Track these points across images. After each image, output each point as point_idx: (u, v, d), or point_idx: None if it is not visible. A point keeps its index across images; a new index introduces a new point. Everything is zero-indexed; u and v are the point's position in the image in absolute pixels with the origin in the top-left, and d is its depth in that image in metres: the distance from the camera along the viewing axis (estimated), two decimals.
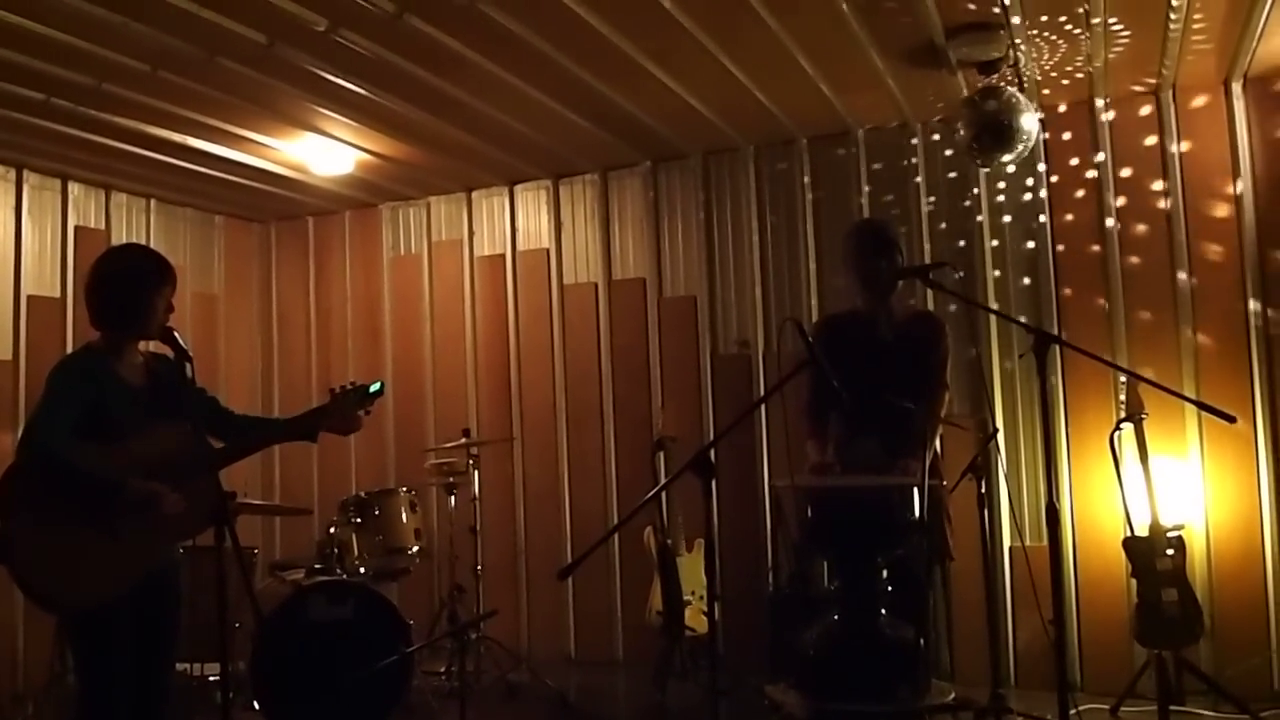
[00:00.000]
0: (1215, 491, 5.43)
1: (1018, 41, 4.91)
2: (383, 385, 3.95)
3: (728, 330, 6.61)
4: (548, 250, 7.14)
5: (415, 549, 5.78)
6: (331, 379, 6.40)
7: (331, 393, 3.88)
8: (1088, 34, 4.87)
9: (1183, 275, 5.56)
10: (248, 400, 7.59)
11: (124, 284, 3.50)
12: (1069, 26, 4.80)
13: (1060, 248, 5.84)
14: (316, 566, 5.46)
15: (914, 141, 6.17)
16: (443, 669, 5.87)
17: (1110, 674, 5.33)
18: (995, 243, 5.98)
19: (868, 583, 3.73)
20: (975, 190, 6.03)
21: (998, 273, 5.96)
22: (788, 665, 3.94)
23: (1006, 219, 5.97)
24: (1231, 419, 3.25)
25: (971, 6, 4.57)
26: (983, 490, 4.38)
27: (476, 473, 6.13)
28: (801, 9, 4.55)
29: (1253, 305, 5.43)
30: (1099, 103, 5.76)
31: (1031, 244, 5.90)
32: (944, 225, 6.10)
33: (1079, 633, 5.60)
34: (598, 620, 6.76)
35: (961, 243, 6.04)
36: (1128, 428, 5.12)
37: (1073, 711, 4.56)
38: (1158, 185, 5.64)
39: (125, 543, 3.34)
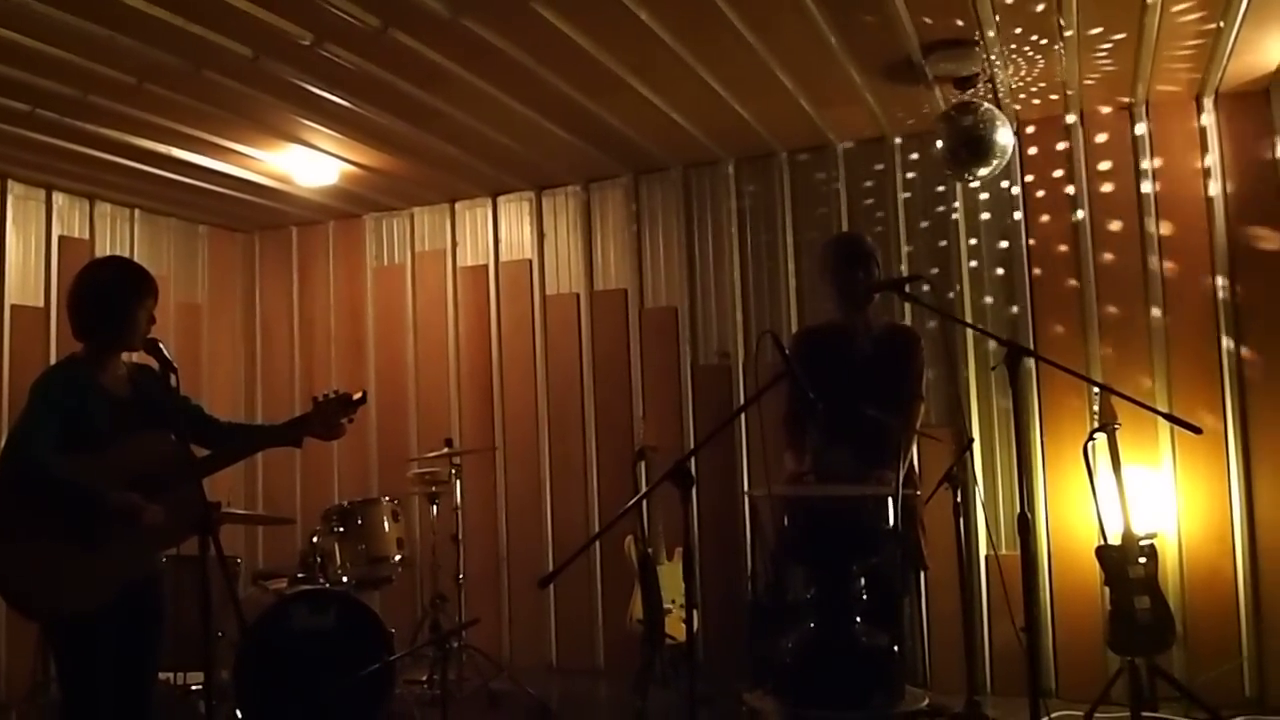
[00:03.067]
0: (1187, 500, 5.51)
1: (993, 57, 4.99)
2: (365, 394, 4.00)
3: (708, 341, 6.67)
4: (530, 261, 7.19)
5: (397, 558, 5.79)
6: (314, 388, 6.43)
7: (315, 401, 3.92)
8: (1062, 50, 4.95)
9: (1155, 287, 5.65)
10: (231, 409, 7.60)
11: (105, 296, 3.54)
12: (1044, 43, 4.88)
13: (1036, 259, 5.92)
14: (299, 575, 5.49)
15: (892, 155, 6.25)
16: (425, 677, 5.88)
17: (1084, 681, 5.39)
18: (972, 255, 6.06)
19: (843, 591, 3.77)
20: (953, 203, 6.10)
21: (973, 284, 6.03)
22: (765, 673, 3.98)
23: (983, 231, 6.05)
24: (1197, 430, 3.32)
25: (946, 23, 4.64)
26: (958, 500, 4.45)
27: (459, 482, 6.16)
28: (780, 25, 4.62)
29: (1223, 317, 5.52)
30: (1074, 116, 5.84)
31: (1007, 255, 5.98)
32: (921, 238, 6.17)
33: (1053, 640, 5.67)
34: (579, 628, 6.80)
35: (938, 255, 6.12)
36: (1101, 438, 5.19)
37: (1046, 718, 4.64)
38: (1131, 198, 5.73)
39: (108, 552, 3.37)
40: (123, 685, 3.45)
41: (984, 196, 6.05)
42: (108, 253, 6.73)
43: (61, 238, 6.64)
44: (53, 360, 5.86)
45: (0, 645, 5.90)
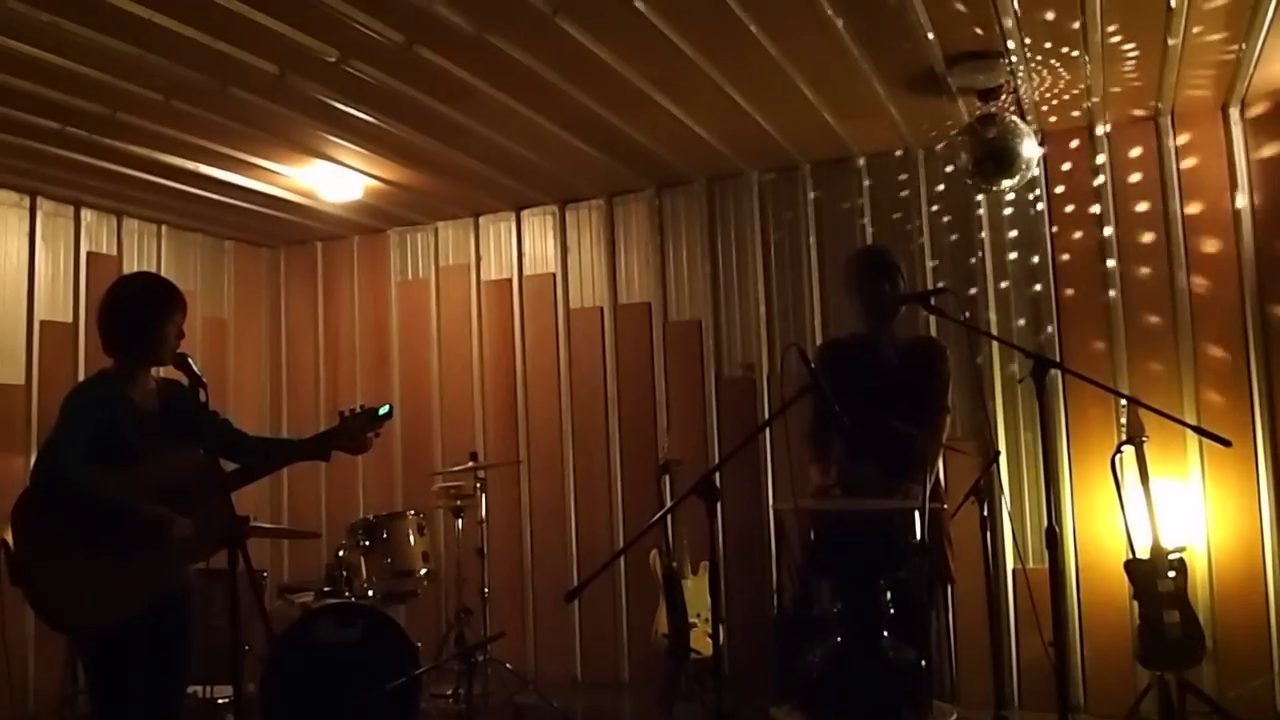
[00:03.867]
0: (1216, 513, 5.46)
1: (1017, 69, 4.97)
2: (391, 408, 4.00)
3: (732, 354, 6.66)
4: (554, 275, 7.21)
5: (423, 571, 5.79)
6: (340, 402, 6.45)
7: (341, 415, 3.94)
8: (1087, 61, 4.93)
9: (1182, 299, 5.61)
10: (257, 423, 7.64)
11: (135, 311, 3.56)
12: (1068, 54, 4.86)
13: (1061, 270, 5.89)
14: (325, 589, 5.50)
15: (916, 167, 6.24)
16: (450, 691, 5.89)
17: (1113, 696, 5.35)
18: (997, 267, 6.03)
19: (870, 605, 3.76)
20: (977, 215, 6.08)
21: (999, 296, 6.00)
22: (792, 687, 3.97)
23: (1008, 243, 6.02)
24: (1227, 443, 3.29)
25: (970, 35, 4.63)
26: (985, 513, 4.42)
27: (483, 496, 6.17)
28: (803, 37, 4.62)
29: (1252, 328, 5.47)
30: (1099, 129, 5.82)
31: (1033, 267, 5.95)
32: (946, 250, 6.15)
33: (1082, 654, 5.62)
34: (604, 642, 6.79)
35: (963, 266, 6.10)
36: (1129, 450, 5.16)
37: None
38: (1157, 208, 5.69)
39: (137, 565, 3.39)
40: (152, 698, 3.46)
41: (1009, 209, 6.02)
42: (136, 268, 6.78)
43: (90, 254, 6.70)
44: (82, 376, 5.97)
45: (29, 657, 5.92)
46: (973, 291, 6.01)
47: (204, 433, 3.51)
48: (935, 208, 6.19)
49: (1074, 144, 5.89)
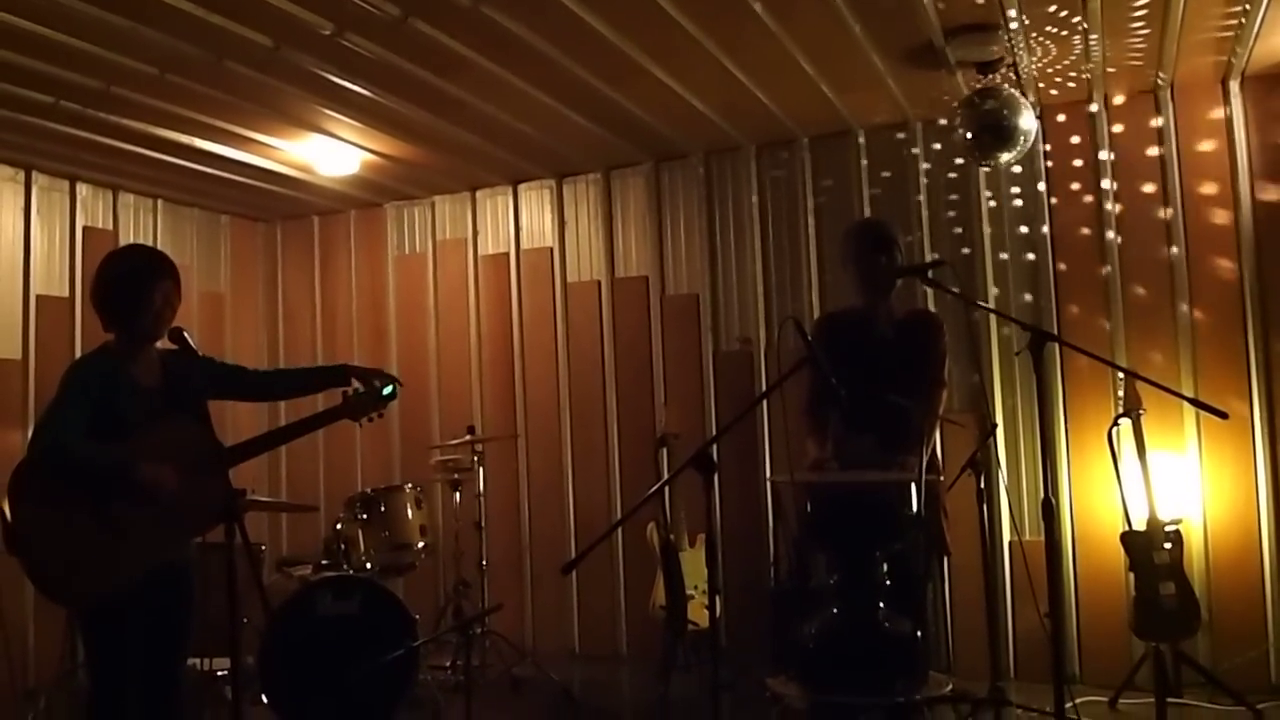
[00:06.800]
0: (1213, 486, 5.48)
1: (1016, 42, 4.95)
2: (395, 388, 3.97)
3: (729, 328, 6.66)
4: (551, 249, 7.20)
5: (421, 545, 5.81)
6: None
7: (344, 394, 3.93)
8: (1086, 34, 4.91)
9: (1180, 272, 5.61)
10: None
11: (122, 283, 3.55)
12: (1066, 27, 4.83)
13: (1059, 244, 5.88)
14: (323, 562, 5.52)
15: (914, 141, 6.22)
16: (448, 663, 5.91)
17: (1109, 667, 5.38)
18: (994, 240, 6.02)
19: (866, 577, 3.78)
20: (975, 188, 6.07)
21: (996, 269, 6.00)
22: (788, 658, 3.99)
23: (1006, 216, 6.01)
24: (1224, 415, 3.30)
25: (969, 7, 4.61)
26: (982, 486, 4.43)
27: (481, 469, 6.18)
28: (801, 10, 4.60)
29: (1249, 302, 5.47)
30: (1098, 102, 5.79)
31: (1030, 240, 5.94)
32: (944, 223, 6.14)
33: (1078, 626, 5.65)
34: (601, 614, 6.82)
35: (961, 240, 6.09)
36: (1125, 423, 5.17)
37: (1070, 704, 4.62)
38: (1155, 182, 5.68)
39: (134, 537, 3.38)
40: (151, 672, 3.47)
41: (1007, 183, 6.01)
42: (132, 242, 6.76)
43: (86, 228, 6.69)
44: (79, 350, 5.96)
45: (28, 631, 5.94)
46: (971, 264, 6.00)
47: (204, 396, 3.56)
48: (934, 180, 6.18)
49: (1073, 117, 5.87)
